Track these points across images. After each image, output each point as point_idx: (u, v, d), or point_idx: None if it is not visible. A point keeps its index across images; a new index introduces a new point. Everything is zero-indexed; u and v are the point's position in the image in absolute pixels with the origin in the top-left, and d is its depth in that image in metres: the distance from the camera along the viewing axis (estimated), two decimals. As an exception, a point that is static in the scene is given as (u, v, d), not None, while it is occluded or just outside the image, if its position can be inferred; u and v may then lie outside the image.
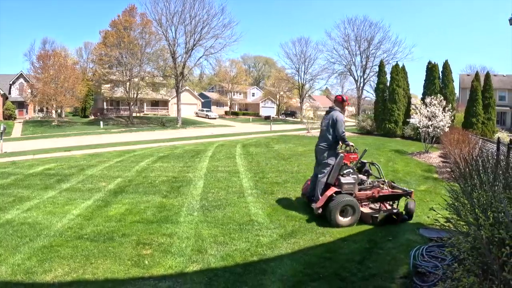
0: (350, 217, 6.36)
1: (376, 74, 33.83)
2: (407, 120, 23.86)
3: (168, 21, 44.94)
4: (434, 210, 3.61)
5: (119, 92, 49.98)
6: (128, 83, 46.36)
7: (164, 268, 4.63)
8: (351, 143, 6.96)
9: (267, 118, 62.97)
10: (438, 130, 16.20)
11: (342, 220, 6.30)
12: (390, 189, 7.03)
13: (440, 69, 27.04)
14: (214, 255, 5.01)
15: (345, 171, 6.80)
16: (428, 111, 16.53)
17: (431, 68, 26.90)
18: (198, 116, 62.39)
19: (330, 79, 70.10)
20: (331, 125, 6.80)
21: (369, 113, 39.21)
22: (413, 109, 25.66)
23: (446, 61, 27.10)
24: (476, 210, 2.47)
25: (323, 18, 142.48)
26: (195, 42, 46.16)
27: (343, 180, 6.59)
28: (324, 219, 6.37)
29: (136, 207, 7.50)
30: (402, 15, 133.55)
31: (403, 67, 28.67)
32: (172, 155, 15.88)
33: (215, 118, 59.41)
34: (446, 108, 16.55)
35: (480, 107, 25.22)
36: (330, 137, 6.81)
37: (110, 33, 43.85)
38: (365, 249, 5.26)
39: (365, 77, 56.02)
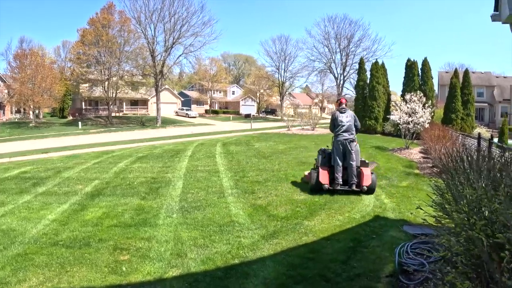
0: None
1: (356, 72, 34.05)
2: (387, 116, 24.05)
3: (147, 18, 44.50)
4: (421, 209, 3.51)
5: (97, 92, 49.21)
6: (106, 82, 45.64)
7: (142, 274, 4.43)
8: None
9: (248, 116, 62.79)
10: (418, 126, 16.31)
11: None
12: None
13: (420, 66, 27.45)
14: (194, 259, 4.83)
15: None
16: (408, 107, 16.61)
17: (410, 66, 27.26)
18: (178, 115, 61.74)
19: (310, 76, 70.23)
20: (354, 120, 8.52)
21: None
22: (393, 105, 25.91)
23: (425, 58, 27.60)
24: (466, 209, 2.36)
25: (303, 17, 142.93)
26: (174, 40, 45.84)
27: (367, 160, 8.75)
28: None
29: (114, 210, 7.28)
30: (381, 13, 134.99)
31: (383, 64, 28.98)
32: (151, 155, 15.64)
33: (195, 117, 58.93)
34: (426, 105, 16.65)
35: (459, 103, 25.60)
36: (355, 129, 8.50)
37: (88, 31, 43.05)
38: (349, 248, 5.15)
39: (345, 74, 56.51)
